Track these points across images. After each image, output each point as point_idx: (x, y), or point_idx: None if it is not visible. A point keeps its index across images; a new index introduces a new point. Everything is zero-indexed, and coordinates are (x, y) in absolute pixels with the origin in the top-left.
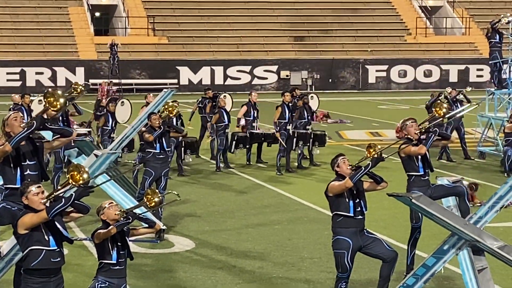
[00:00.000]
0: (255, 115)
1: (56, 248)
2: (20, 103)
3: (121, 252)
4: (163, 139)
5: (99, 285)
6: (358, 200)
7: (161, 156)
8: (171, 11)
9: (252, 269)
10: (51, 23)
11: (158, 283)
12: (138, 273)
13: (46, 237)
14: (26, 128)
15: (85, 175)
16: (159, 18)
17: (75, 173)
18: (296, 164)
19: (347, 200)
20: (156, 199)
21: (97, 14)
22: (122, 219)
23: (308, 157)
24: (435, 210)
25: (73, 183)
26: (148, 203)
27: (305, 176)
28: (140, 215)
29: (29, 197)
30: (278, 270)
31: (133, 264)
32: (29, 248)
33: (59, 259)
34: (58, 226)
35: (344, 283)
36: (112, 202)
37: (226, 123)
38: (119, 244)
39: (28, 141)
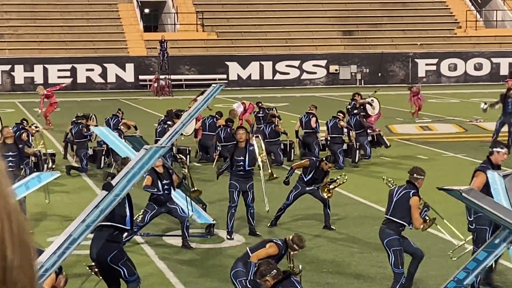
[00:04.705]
0: None
1: None
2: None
3: None
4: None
5: None
6: None
7: (241, 173)
8: (220, 6)
9: (301, 264)
10: (101, 20)
11: (208, 278)
12: (188, 267)
13: None
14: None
15: None
16: (208, 14)
17: None
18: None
19: None
20: None
21: (146, 10)
22: None
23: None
24: (486, 204)
25: None
26: None
27: (355, 171)
28: None
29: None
30: (328, 264)
31: (184, 258)
32: None
33: None
34: None
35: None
36: None
37: None
38: None
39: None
